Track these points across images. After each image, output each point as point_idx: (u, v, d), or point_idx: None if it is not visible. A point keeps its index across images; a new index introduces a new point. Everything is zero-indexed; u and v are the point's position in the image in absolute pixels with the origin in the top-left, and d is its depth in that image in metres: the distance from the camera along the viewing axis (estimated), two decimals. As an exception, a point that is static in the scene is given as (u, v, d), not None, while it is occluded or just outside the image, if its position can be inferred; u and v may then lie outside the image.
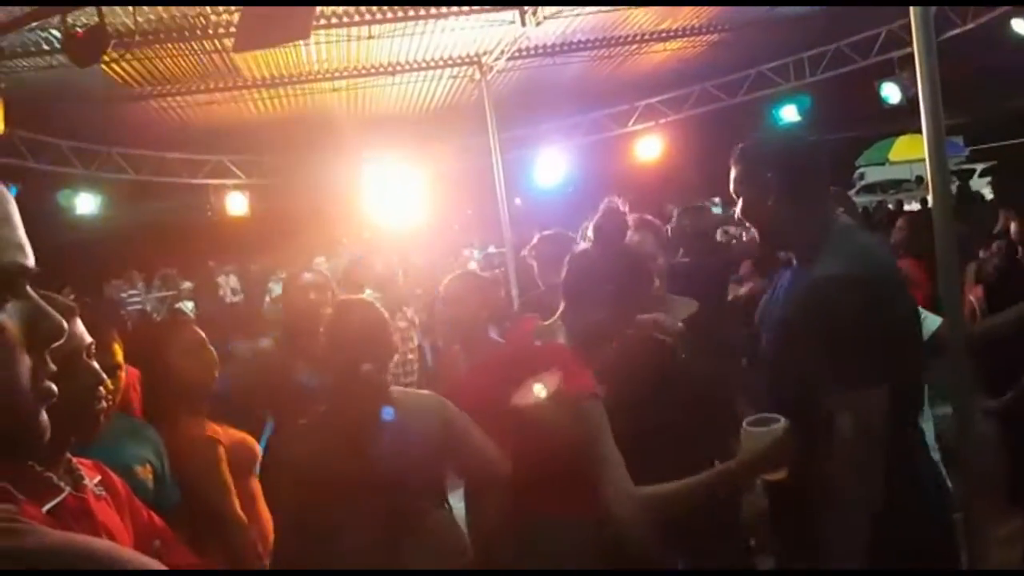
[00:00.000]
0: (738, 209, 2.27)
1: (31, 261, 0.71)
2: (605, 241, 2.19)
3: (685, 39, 9.25)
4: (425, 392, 2.52)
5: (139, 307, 10.96)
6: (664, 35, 8.99)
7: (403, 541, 2.25)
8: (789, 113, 11.28)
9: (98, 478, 1.69)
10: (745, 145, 2.26)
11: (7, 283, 0.68)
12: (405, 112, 10.78)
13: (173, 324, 2.76)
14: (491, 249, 15.14)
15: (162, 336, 2.71)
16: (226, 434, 2.67)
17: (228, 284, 14.30)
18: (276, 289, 12.37)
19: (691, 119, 11.84)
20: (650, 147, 11.89)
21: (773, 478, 1.97)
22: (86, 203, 9.93)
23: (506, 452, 2.28)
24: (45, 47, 6.80)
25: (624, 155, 12.21)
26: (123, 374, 2.35)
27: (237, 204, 11.03)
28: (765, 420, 1.92)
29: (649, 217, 3.48)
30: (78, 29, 5.66)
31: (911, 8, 2.53)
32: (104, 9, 5.37)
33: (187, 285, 12.78)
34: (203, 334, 2.71)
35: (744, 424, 1.94)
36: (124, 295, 11.88)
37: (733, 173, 2.26)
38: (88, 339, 1.70)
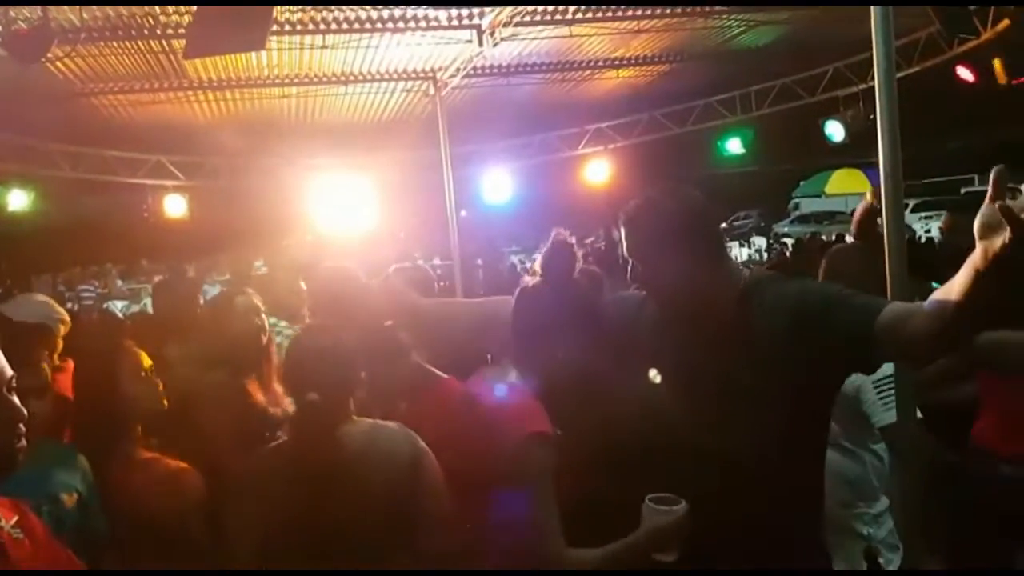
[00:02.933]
0: (634, 275, 2.10)
1: None
2: (555, 277, 2.17)
3: (637, 67, 9.39)
4: (394, 426, 2.36)
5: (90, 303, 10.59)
6: (617, 63, 9.12)
7: None
8: (734, 145, 11.52)
9: (15, 518, 1.63)
10: (634, 209, 2.07)
11: None
12: (355, 121, 10.70)
13: (120, 349, 2.62)
14: (436, 261, 15.10)
15: (109, 362, 2.59)
16: (167, 463, 2.57)
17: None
18: (211, 291, 12.10)
19: (639, 146, 12.04)
20: (598, 171, 12.02)
21: (664, 559, 1.91)
22: (18, 199, 9.57)
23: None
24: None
25: (572, 177, 12.34)
26: (51, 395, 2.25)
27: (175, 206, 10.77)
28: (667, 499, 1.91)
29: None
30: (21, 25, 5.47)
31: (872, 9, 2.62)
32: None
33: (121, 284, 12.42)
34: (147, 360, 2.60)
35: (647, 500, 1.91)
36: (84, 288, 11.49)
37: (627, 239, 2.08)
38: (8, 373, 1.58)
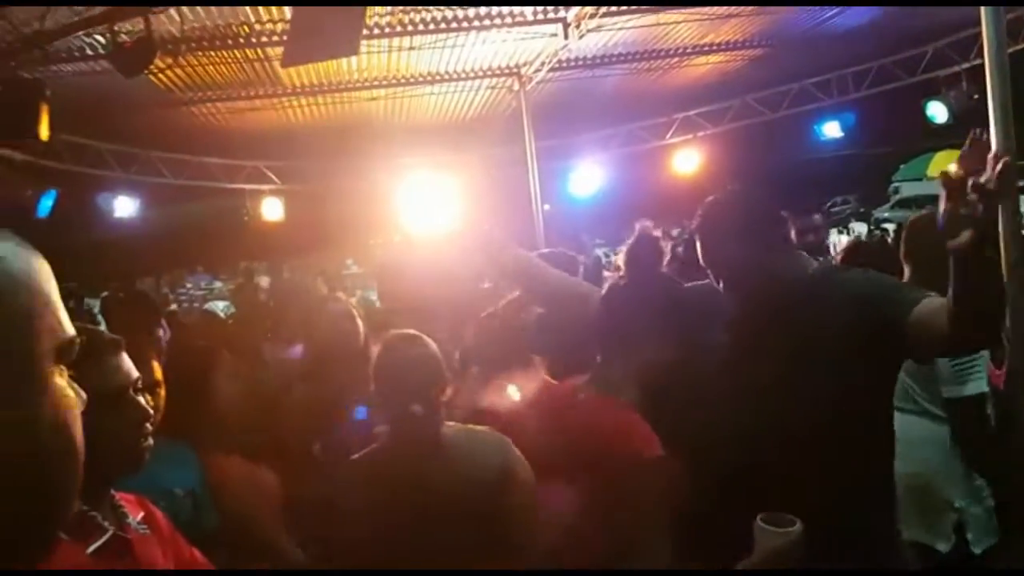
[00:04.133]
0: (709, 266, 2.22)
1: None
2: (641, 272, 2.11)
3: (727, 52, 9.15)
4: (486, 430, 2.35)
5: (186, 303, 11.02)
6: (706, 48, 8.90)
7: None
8: (831, 129, 11.12)
9: (141, 514, 1.67)
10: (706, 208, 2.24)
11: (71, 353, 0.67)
12: (441, 120, 10.78)
13: (217, 350, 2.69)
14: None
15: (207, 361, 2.66)
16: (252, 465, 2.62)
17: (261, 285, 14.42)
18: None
19: (730, 133, 11.71)
20: (687, 160, 11.78)
21: None
22: (124, 206, 10.01)
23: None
24: (89, 52, 6.85)
25: (660, 167, 12.12)
26: (162, 391, 2.32)
27: (272, 209, 11.08)
28: (779, 519, 1.82)
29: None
30: (124, 37, 5.70)
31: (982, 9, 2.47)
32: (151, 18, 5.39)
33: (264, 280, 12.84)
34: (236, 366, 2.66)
35: (759, 521, 1.82)
36: (187, 288, 11.98)
37: (701, 236, 2.22)
38: (135, 374, 1.65)
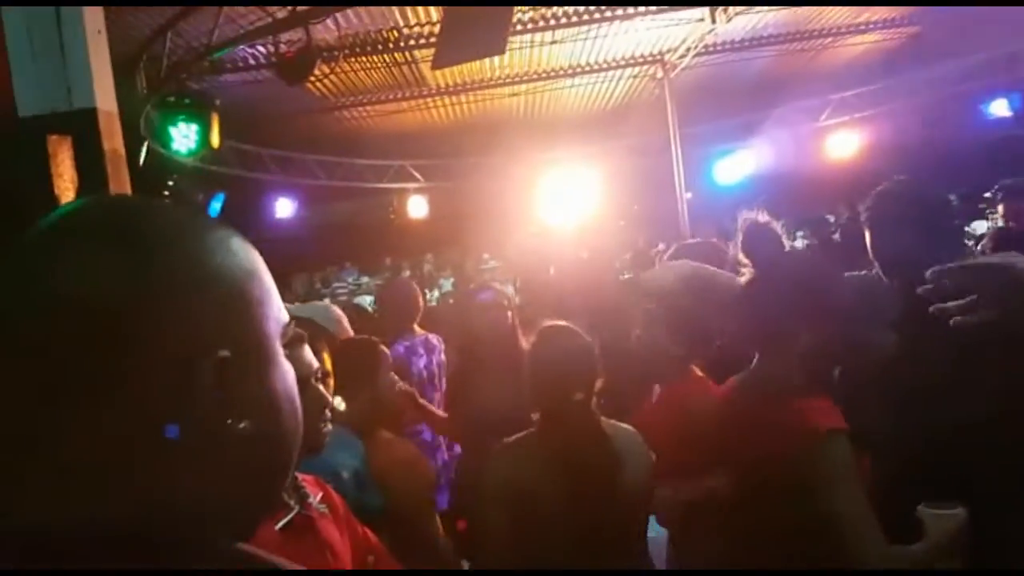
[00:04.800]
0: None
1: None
2: (763, 261, 2.01)
3: (885, 31, 8.65)
4: (629, 428, 2.36)
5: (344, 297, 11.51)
6: (862, 27, 8.45)
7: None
8: (999, 108, 10.30)
9: (320, 495, 1.74)
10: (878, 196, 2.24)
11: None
12: (581, 113, 10.76)
13: (373, 344, 2.81)
14: (660, 247, 14.81)
15: (368, 352, 2.77)
16: (407, 446, 2.71)
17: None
18: (445, 285, 12.75)
19: (889, 114, 11.05)
20: (842, 143, 11.22)
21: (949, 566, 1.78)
22: (283, 207, 10.54)
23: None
24: (252, 62, 7.24)
25: (812, 152, 11.60)
26: (331, 380, 2.41)
27: (417, 207, 11.37)
28: (940, 504, 1.77)
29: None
30: (283, 46, 5.98)
31: None
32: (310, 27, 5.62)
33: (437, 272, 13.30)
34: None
35: (923, 507, 1.77)
36: (338, 283, 12.57)
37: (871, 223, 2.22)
38: (316, 364, 1.74)
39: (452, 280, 11.91)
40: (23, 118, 2.70)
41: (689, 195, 9.84)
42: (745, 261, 2.05)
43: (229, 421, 0.65)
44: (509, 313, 3.52)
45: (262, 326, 0.69)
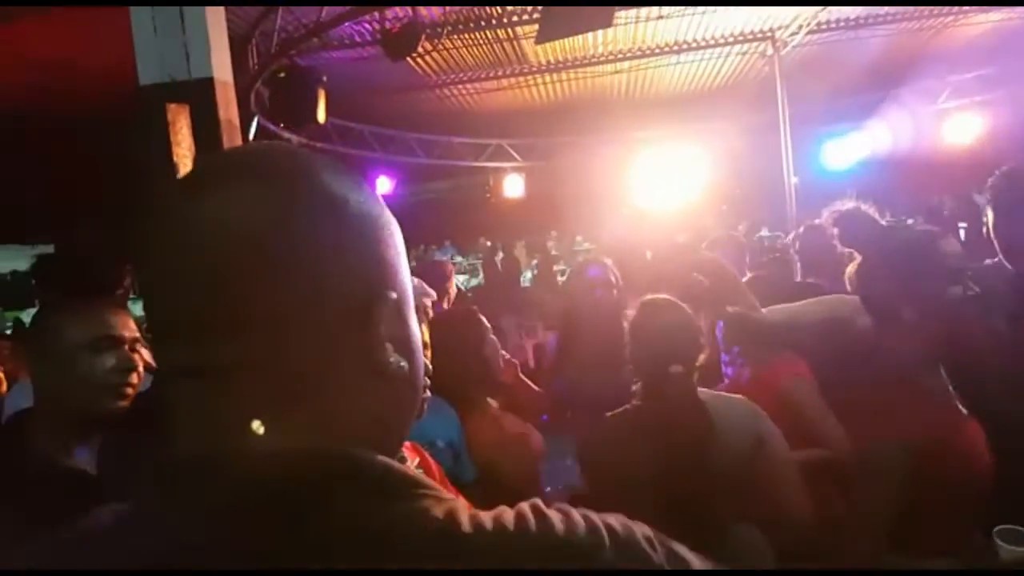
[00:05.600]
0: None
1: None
2: (867, 246, 2.02)
3: (1007, 10, 8.10)
4: (738, 398, 2.33)
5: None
6: (983, 7, 7.93)
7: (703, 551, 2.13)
8: None
9: (417, 460, 1.75)
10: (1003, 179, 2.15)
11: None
12: (685, 91, 10.49)
13: (472, 317, 2.80)
14: (763, 232, 14.41)
15: (470, 326, 2.76)
16: (514, 420, 2.69)
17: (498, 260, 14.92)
18: (532, 271, 12.70)
19: (1011, 98, 10.37)
20: (962, 127, 10.61)
21: None
22: (383, 185, 10.67)
23: None
24: (357, 39, 7.30)
25: (928, 136, 11.01)
26: (429, 352, 2.43)
27: (514, 186, 11.34)
28: (1016, 533, 1.71)
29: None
30: (389, 23, 6.00)
31: None
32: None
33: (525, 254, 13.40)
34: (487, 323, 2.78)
35: (995, 535, 1.73)
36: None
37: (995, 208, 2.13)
38: (418, 333, 1.76)
39: (536, 263, 11.86)
40: (143, 86, 2.75)
41: (796, 179, 9.48)
42: (850, 249, 2.05)
43: (391, 360, 0.68)
44: (615, 291, 3.48)
45: (408, 272, 0.74)
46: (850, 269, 2.11)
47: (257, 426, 0.64)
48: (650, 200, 10.72)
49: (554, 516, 0.65)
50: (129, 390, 1.77)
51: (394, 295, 0.69)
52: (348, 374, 0.67)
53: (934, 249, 1.99)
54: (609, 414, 2.39)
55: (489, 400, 2.65)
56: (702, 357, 2.35)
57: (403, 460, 1.67)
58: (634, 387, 2.39)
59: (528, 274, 11.25)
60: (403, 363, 0.70)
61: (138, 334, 1.84)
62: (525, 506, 0.66)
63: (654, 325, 2.32)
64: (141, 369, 1.82)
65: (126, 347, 1.78)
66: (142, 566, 0.62)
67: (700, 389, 2.30)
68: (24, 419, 1.80)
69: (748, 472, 2.13)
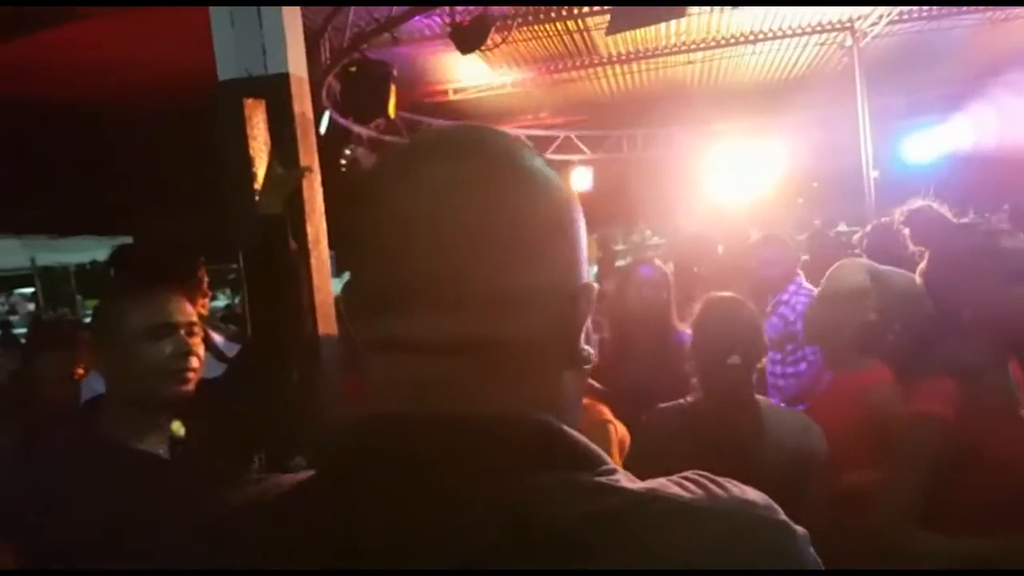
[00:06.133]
0: None
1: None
2: (936, 246, 2.00)
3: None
4: (794, 411, 2.36)
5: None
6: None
7: None
8: None
9: None
10: None
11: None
12: (759, 82, 10.25)
13: None
14: (841, 227, 14.06)
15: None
16: (601, 411, 2.68)
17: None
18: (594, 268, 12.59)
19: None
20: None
21: None
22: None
23: None
24: (427, 33, 7.32)
25: (1014, 131, 10.52)
26: None
27: (582, 179, 11.26)
28: None
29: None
30: (459, 15, 5.99)
31: None
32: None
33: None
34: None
35: None
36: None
37: None
38: None
39: (599, 258, 11.77)
40: (221, 81, 2.78)
41: (876, 173, 9.19)
42: (920, 249, 2.01)
43: (585, 349, 0.70)
44: (664, 293, 3.46)
45: None
46: (919, 268, 2.10)
47: (462, 398, 0.65)
48: (722, 194, 10.54)
49: (724, 483, 0.69)
50: (189, 375, 1.81)
51: (594, 284, 0.70)
52: (552, 360, 0.68)
53: (997, 249, 1.92)
54: (662, 405, 2.41)
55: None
56: (764, 360, 2.32)
57: None
58: (693, 380, 2.39)
59: (594, 269, 11.17)
60: (592, 352, 0.71)
61: (195, 319, 1.88)
62: (692, 474, 0.69)
63: (718, 317, 2.32)
64: (201, 353, 1.85)
65: (182, 332, 1.81)
66: (327, 532, 0.64)
67: (757, 396, 2.29)
68: (97, 405, 1.86)
69: (790, 486, 2.09)
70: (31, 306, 16.82)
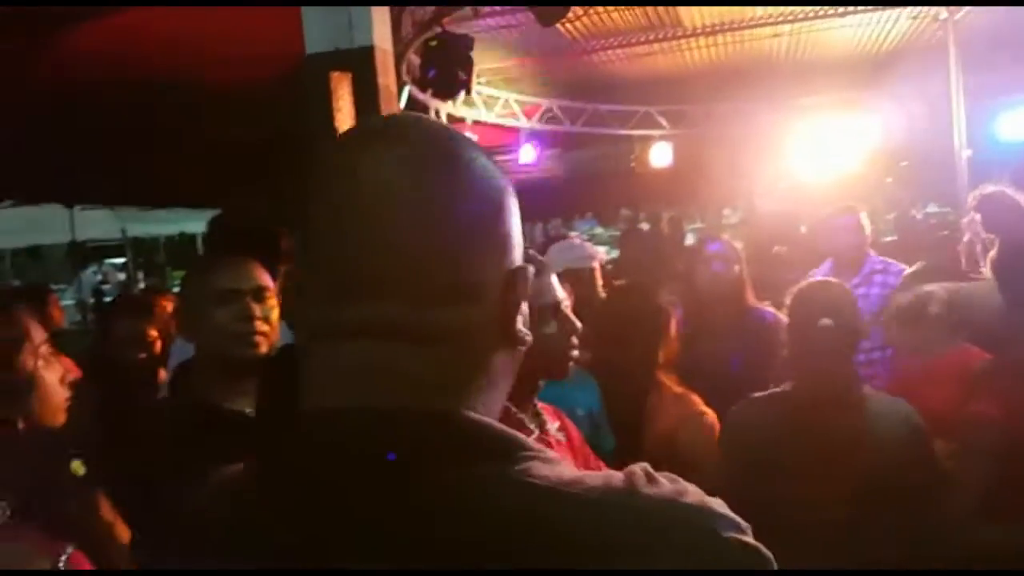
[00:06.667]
0: None
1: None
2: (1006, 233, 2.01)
3: None
4: (896, 399, 2.26)
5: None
6: None
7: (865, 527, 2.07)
8: None
9: (558, 423, 1.82)
10: None
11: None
12: (847, 56, 9.88)
13: (656, 294, 2.82)
14: (931, 208, 13.59)
15: (656, 302, 2.79)
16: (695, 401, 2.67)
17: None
18: (689, 239, 12.40)
19: None
20: None
21: None
22: (527, 154, 10.67)
23: None
24: (509, 6, 7.27)
25: None
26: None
27: (661, 155, 11.07)
28: None
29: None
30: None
31: None
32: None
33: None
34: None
35: None
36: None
37: None
38: (562, 295, 1.81)
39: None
40: (309, 55, 2.83)
41: (969, 152, 8.80)
42: (991, 236, 2.03)
43: (521, 329, 0.72)
44: (736, 267, 3.43)
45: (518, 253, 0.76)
46: (989, 256, 2.08)
47: (391, 385, 0.66)
48: (807, 171, 10.27)
49: (664, 481, 0.66)
50: (257, 338, 1.90)
51: (530, 266, 0.73)
52: (491, 341, 0.70)
53: None
54: (754, 395, 2.37)
55: (666, 378, 2.67)
56: (865, 343, 2.28)
57: (543, 423, 1.75)
58: (783, 353, 2.38)
59: (669, 246, 11.02)
60: (527, 333, 0.74)
61: (265, 284, 1.97)
62: (637, 468, 0.67)
63: (811, 297, 2.30)
64: (272, 317, 1.94)
65: (247, 298, 1.90)
66: (262, 517, 0.66)
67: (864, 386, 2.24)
68: (186, 368, 1.99)
69: (894, 473, 2.03)
70: (122, 276, 17.55)
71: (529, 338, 0.74)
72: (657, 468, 2.08)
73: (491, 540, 0.59)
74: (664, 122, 11.28)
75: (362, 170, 0.67)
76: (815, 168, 10.23)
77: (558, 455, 0.68)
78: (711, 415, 2.56)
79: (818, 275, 3.25)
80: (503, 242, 0.71)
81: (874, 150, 10.42)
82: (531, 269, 0.73)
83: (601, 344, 2.68)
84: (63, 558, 1.41)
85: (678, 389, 2.60)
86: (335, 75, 2.78)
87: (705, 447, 2.44)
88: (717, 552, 0.62)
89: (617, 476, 0.65)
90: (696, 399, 2.58)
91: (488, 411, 0.70)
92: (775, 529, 2.06)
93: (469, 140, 0.74)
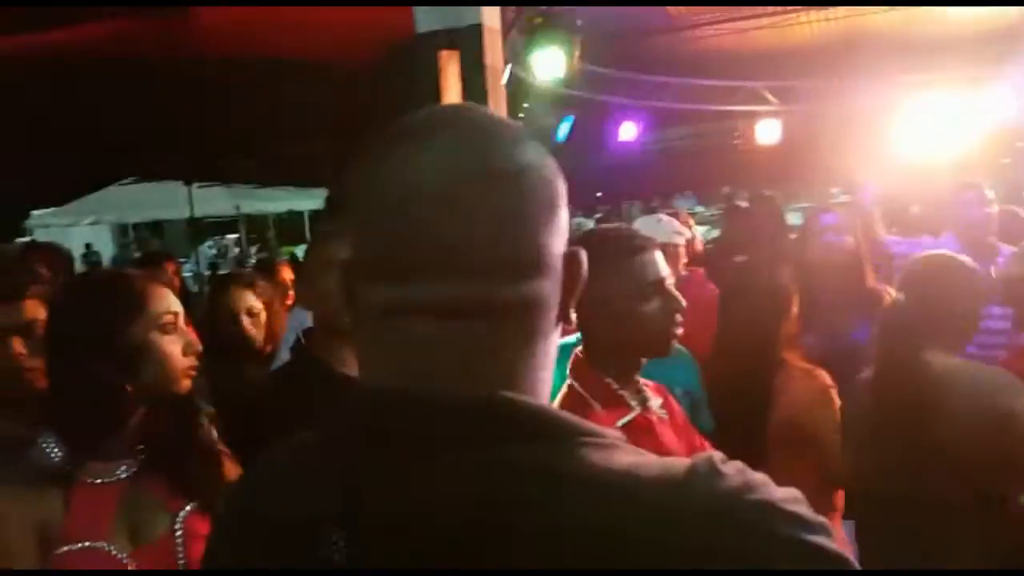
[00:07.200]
0: None
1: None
2: None
3: None
4: (997, 369, 2.17)
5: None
6: None
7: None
8: None
9: (660, 400, 1.82)
10: None
11: None
12: (965, 32, 9.37)
13: (769, 268, 2.80)
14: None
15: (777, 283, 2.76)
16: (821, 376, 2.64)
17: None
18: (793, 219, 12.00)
19: None
20: None
21: None
22: (628, 131, 10.57)
23: None
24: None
25: None
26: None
27: (769, 132, 10.77)
28: None
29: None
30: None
31: None
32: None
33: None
34: None
35: None
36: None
37: None
38: (666, 271, 1.80)
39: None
40: (420, 34, 2.90)
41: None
42: None
43: (572, 315, 0.75)
44: (851, 239, 3.30)
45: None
46: None
47: (447, 363, 0.67)
48: (920, 150, 9.83)
49: (731, 473, 0.63)
50: None
51: (583, 252, 0.74)
52: (547, 318, 0.71)
53: None
54: (862, 375, 2.34)
55: (790, 355, 2.64)
56: (967, 326, 2.22)
57: (645, 400, 1.75)
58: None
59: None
60: (575, 317, 0.76)
61: None
62: (705, 457, 0.66)
63: (923, 270, 2.27)
64: None
65: None
66: (308, 488, 0.69)
67: (942, 354, 2.13)
68: (307, 335, 2.14)
69: (977, 451, 1.93)
70: (237, 250, 18.33)
71: (575, 322, 0.76)
72: (783, 446, 2.11)
73: (491, 526, 0.61)
74: (772, 98, 10.95)
75: (428, 151, 0.68)
76: (928, 148, 9.79)
77: (624, 441, 0.69)
78: (833, 389, 2.52)
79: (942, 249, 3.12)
80: (561, 224, 0.72)
81: (991, 130, 9.88)
82: (583, 253, 0.73)
83: (727, 321, 2.68)
84: (181, 515, 1.51)
85: (806, 365, 2.55)
86: (444, 54, 2.84)
87: (835, 423, 2.42)
88: (766, 554, 0.58)
89: (678, 467, 0.64)
90: (822, 373, 2.53)
91: (543, 392, 0.71)
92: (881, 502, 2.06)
93: (519, 126, 0.76)
